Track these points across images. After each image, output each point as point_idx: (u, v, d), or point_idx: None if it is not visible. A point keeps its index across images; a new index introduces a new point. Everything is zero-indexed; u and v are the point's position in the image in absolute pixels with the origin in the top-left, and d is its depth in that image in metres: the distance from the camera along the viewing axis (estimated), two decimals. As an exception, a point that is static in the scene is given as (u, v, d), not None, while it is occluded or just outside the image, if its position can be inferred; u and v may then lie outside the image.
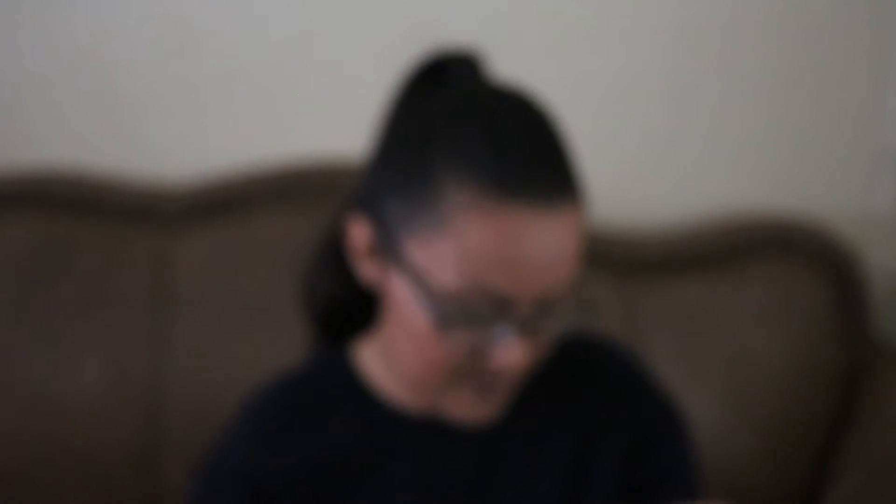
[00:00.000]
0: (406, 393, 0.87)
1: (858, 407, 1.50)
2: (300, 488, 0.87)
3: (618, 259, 1.52)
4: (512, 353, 0.77)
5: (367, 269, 0.83)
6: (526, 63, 1.53)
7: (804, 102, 1.58)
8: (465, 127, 0.77)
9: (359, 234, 0.82)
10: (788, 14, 1.54)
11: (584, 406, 0.90)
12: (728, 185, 1.59)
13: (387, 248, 0.79)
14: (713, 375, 1.47)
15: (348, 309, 0.90)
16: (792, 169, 1.61)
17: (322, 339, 0.95)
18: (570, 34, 1.52)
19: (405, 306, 0.78)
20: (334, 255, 0.89)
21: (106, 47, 1.45)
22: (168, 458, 1.36)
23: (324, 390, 0.90)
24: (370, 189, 0.81)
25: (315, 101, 1.50)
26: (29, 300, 1.37)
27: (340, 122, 1.50)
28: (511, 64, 1.51)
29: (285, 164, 1.48)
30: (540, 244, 0.74)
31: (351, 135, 1.48)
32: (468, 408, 0.83)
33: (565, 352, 0.91)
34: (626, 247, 1.53)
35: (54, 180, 1.44)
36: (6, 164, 1.45)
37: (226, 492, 0.88)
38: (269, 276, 1.40)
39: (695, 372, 1.47)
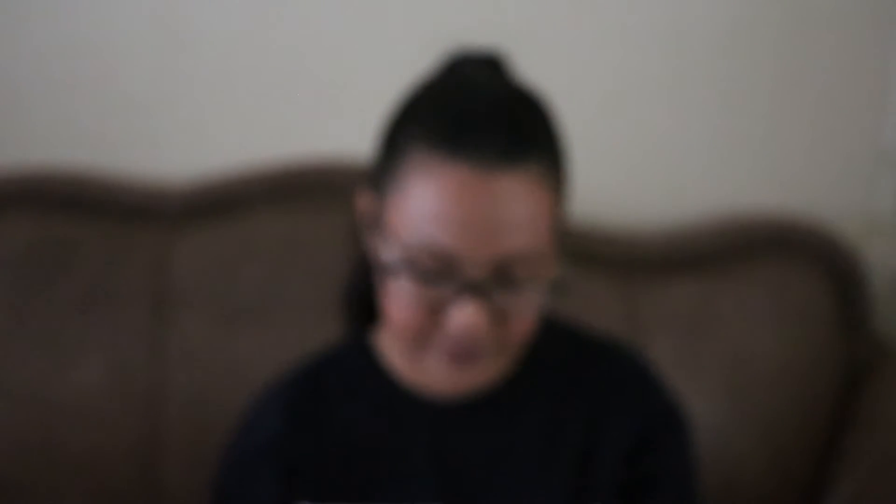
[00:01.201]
0: (417, 372, 0.89)
1: (859, 406, 1.50)
2: (326, 468, 0.89)
3: (618, 259, 1.52)
4: (464, 315, 0.77)
5: (372, 242, 0.86)
6: (526, 62, 1.53)
7: (805, 102, 1.58)
8: (435, 96, 0.80)
9: (362, 207, 0.86)
10: (789, 14, 1.54)
11: (593, 395, 0.92)
12: (728, 185, 1.59)
13: (378, 218, 0.83)
14: (714, 375, 1.47)
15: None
16: (793, 169, 1.61)
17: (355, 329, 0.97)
18: (570, 34, 1.51)
19: (386, 272, 0.81)
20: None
21: (105, 47, 1.45)
22: (168, 458, 1.36)
23: (345, 374, 0.92)
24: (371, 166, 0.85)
25: (314, 102, 1.50)
26: (28, 300, 1.37)
27: (339, 123, 1.50)
28: (515, 62, 1.51)
29: (284, 164, 1.48)
30: (482, 206, 0.75)
31: (351, 135, 1.48)
32: (444, 377, 0.85)
33: (578, 347, 0.94)
34: (627, 246, 1.53)
35: (53, 180, 1.44)
36: (6, 163, 1.45)
37: (259, 471, 0.90)
38: (269, 276, 1.40)
39: (695, 372, 1.46)
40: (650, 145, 1.58)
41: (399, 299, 0.80)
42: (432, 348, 0.83)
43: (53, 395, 1.34)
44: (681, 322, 1.48)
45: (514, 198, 0.76)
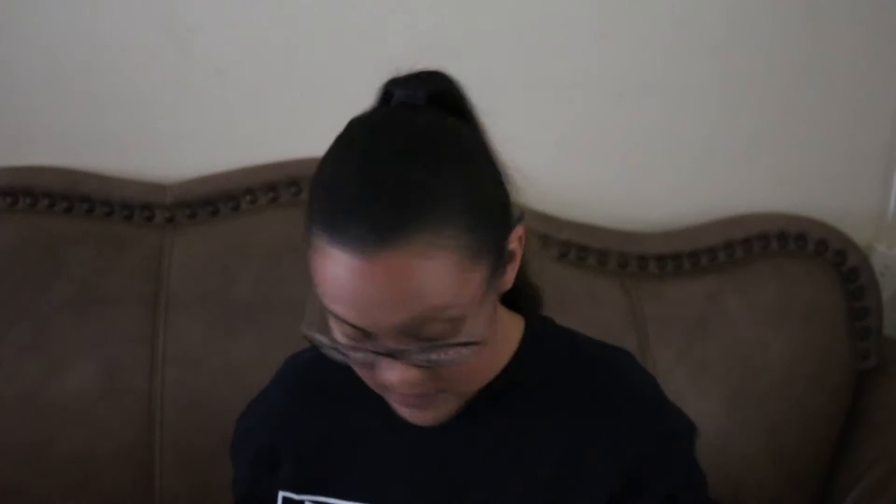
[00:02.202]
0: None
1: (868, 407, 1.49)
2: (308, 459, 0.94)
3: (621, 259, 1.52)
4: (391, 374, 0.81)
5: None
6: (527, 62, 1.52)
7: (814, 103, 1.57)
8: (328, 169, 0.83)
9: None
10: (798, 14, 1.53)
11: (581, 413, 0.91)
12: (736, 186, 1.58)
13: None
14: (718, 377, 1.45)
15: None
16: (802, 169, 1.60)
17: None
18: (571, 33, 1.51)
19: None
20: None
21: (104, 47, 1.44)
22: (162, 460, 1.35)
23: (341, 370, 0.92)
24: None
25: (312, 103, 1.49)
26: (21, 301, 1.36)
27: (337, 124, 1.50)
28: (513, 63, 1.51)
29: (279, 165, 1.48)
30: (360, 287, 0.77)
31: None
32: (405, 413, 0.88)
33: (572, 358, 0.93)
34: (628, 247, 1.53)
35: (46, 180, 1.43)
36: (2, 161, 1.44)
37: (245, 449, 1.00)
38: (264, 276, 1.39)
39: (699, 373, 1.45)
40: (658, 145, 1.57)
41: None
42: (386, 394, 0.86)
43: (47, 398, 1.33)
44: (685, 322, 1.47)
45: (397, 275, 0.77)
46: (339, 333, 0.82)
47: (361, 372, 0.85)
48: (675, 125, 1.56)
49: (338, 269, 0.77)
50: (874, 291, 1.52)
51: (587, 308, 1.45)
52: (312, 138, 1.48)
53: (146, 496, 1.36)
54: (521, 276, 0.93)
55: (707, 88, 1.55)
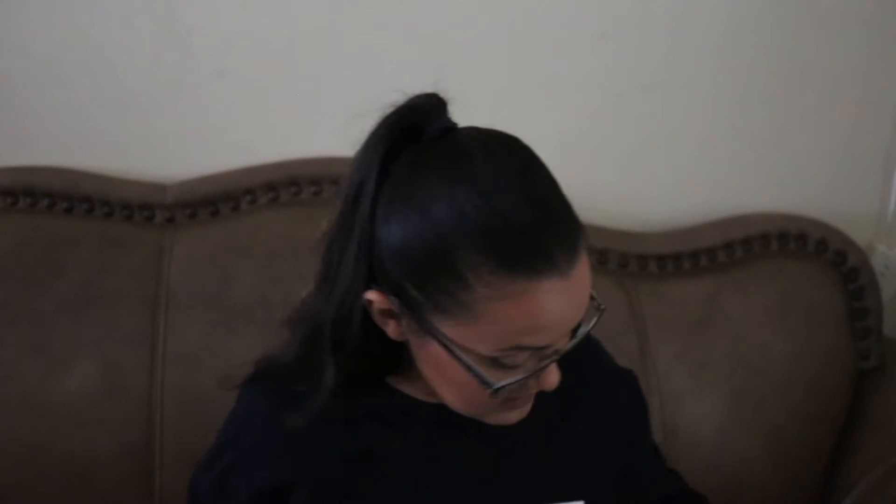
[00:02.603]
0: (419, 391, 0.96)
1: (868, 408, 1.49)
2: (319, 469, 0.94)
3: (621, 259, 1.52)
4: (552, 379, 0.88)
5: (393, 330, 0.90)
6: (527, 62, 1.52)
7: (815, 103, 1.57)
8: (478, 222, 0.81)
9: (379, 305, 0.88)
10: (799, 14, 1.53)
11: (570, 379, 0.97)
12: (737, 186, 1.58)
13: (416, 322, 0.86)
14: (719, 376, 1.45)
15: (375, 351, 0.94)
16: (801, 169, 1.60)
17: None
18: (571, 33, 1.51)
19: (448, 366, 0.87)
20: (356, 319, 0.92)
21: (103, 46, 1.44)
22: (162, 460, 1.35)
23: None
24: (384, 272, 0.86)
25: (312, 103, 1.49)
26: (21, 301, 1.35)
27: (337, 124, 1.50)
28: (513, 63, 1.51)
29: (279, 166, 1.47)
30: (563, 305, 0.83)
31: (345, 137, 1.48)
32: (500, 418, 0.92)
33: None
34: (628, 247, 1.52)
35: (46, 180, 1.43)
36: (1, 161, 1.44)
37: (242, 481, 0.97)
38: (262, 277, 1.39)
39: (699, 373, 1.45)
40: (658, 145, 1.57)
41: (473, 390, 0.86)
42: (493, 411, 0.91)
43: (47, 398, 1.33)
44: (685, 322, 1.47)
45: (583, 281, 0.84)
46: (521, 364, 0.86)
47: (488, 398, 0.86)
48: (675, 125, 1.56)
49: (545, 298, 0.81)
50: (874, 291, 1.52)
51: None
52: (312, 138, 1.49)
53: (146, 496, 1.35)
54: None
55: (707, 88, 1.55)
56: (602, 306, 0.89)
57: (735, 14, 1.52)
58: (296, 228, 1.42)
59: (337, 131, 1.48)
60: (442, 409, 0.93)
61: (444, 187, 0.82)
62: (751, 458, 1.45)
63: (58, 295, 1.36)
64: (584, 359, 0.99)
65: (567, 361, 0.93)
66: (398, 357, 0.94)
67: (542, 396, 0.94)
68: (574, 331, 0.87)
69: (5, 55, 1.43)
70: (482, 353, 0.84)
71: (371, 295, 0.87)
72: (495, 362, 0.84)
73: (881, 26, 1.55)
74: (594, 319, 0.89)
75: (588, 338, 1.02)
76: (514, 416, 0.92)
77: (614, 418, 1.04)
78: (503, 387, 0.85)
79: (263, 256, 1.40)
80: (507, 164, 0.84)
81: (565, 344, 0.87)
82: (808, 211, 1.56)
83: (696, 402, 1.44)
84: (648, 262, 1.52)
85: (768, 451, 1.45)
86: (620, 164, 1.55)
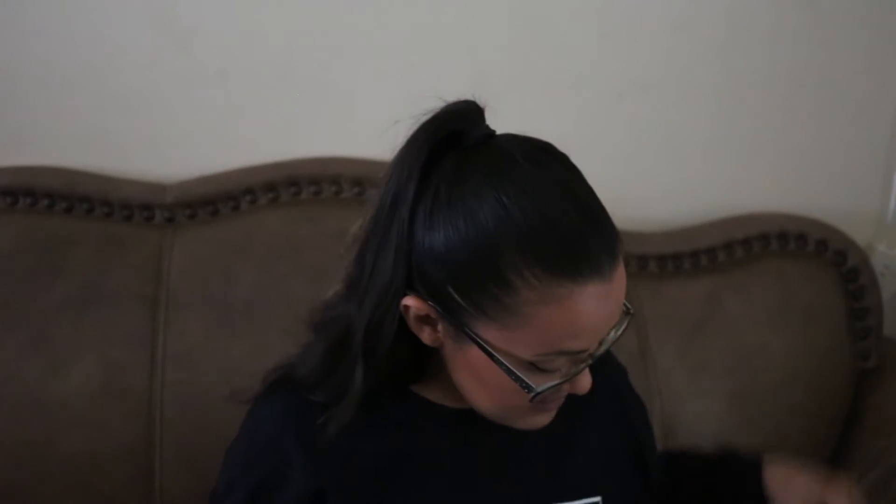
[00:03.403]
0: (442, 397, 0.96)
1: (868, 408, 1.49)
2: (349, 479, 0.93)
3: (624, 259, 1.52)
4: (586, 382, 0.88)
5: (428, 336, 0.90)
6: (527, 62, 1.52)
7: (815, 103, 1.57)
8: (523, 224, 0.82)
9: (416, 311, 0.88)
10: (800, 14, 1.53)
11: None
12: (737, 186, 1.58)
13: (455, 327, 0.86)
14: (719, 376, 1.45)
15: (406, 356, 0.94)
16: (802, 169, 1.60)
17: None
18: (571, 33, 1.51)
19: (485, 371, 0.87)
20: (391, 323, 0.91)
21: (103, 46, 1.44)
22: (162, 460, 1.34)
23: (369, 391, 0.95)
24: (423, 275, 0.86)
25: (312, 103, 1.49)
26: (21, 301, 1.35)
27: (337, 124, 1.50)
28: (513, 63, 1.51)
29: (279, 166, 1.47)
30: (604, 309, 0.84)
31: (348, 136, 1.48)
32: (530, 422, 0.93)
33: None
34: (628, 247, 1.52)
35: (46, 180, 1.43)
36: (1, 161, 1.44)
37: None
38: (263, 277, 1.39)
39: (699, 373, 1.45)
40: (658, 145, 1.57)
41: (515, 391, 0.86)
42: (523, 415, 0.91)
43: (47, 398, 1.32)
44: (685, 322, 1.47)
45: (621, 286, 0.86)
46: (558, 369, 0.86)
47: (523, 400, 0.86)
48: (676, 125, 1.56)
49: (588, 302, 0.82)
50: (874, 291, 1.52)
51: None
52: (312, 138, 1.49)
53: (146, 496, 1.35)
54: None
55: (707, 88, 1.55)
56: (632, 311, 0.90)
57: (735, 14, 1.52)
58: (296, 228, 1.42)
59: (337, 131, 1.50)
60: (467, 415, 0.94)
61: (489, 191, 0.83)
62: (751, 457, 1.45)
63: (58, 295, 1.35)
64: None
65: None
66: (424, 365, 0.95)
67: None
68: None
69: (5, 55, 1.43)
70: (523, 358, 0.84)
71: (409, 300, 0.87)
72: (534, 367, 0.85)
73: (881, 26, 1.55)
74: (625, 324, 0.89)
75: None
76: (542, 419, 0.93)
77: (624, 415, 1.07)
78: (543, 391, 0.85)
79: (263, 256, 1.40)
80: (550, 169, 0.86)
81: (598, 348, 0.87)
82: (808, 211, 1.55)
83: (696, 402, 1.44)
84: (648, 262, 1.52)
85: (768, 450, 1.44)
86: (620, 164, 1.55)
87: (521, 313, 0.82)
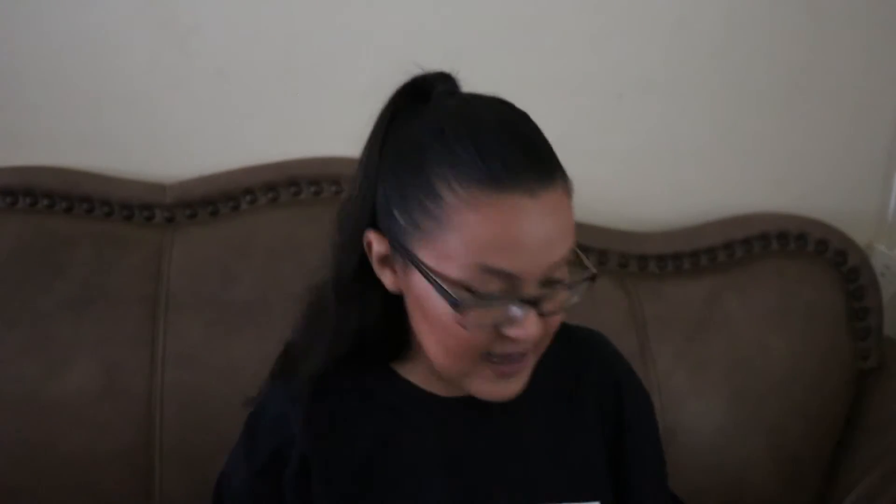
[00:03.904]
0: (432, 382, 0.97)
1: (868, 408, 1.49)
2: (336, 465, 0.95)
3: (621, 259, 1.52)
4: (526, 328, 0.86)
5: (388, 278, 0.92)
6: (527, 62, 1.52)
7: (815, 103, 1.57)
8: (452, 136, 0.85)
9: (377, 248, 0.91)
10: (801, 15, 1.53)
11: (578, 379, 1.02)
12: (737, 186, 1.58)
13: (399, 252, 0.89)
14: (719, 376, 1.45)
15: (376, 334, 0.97)
16: (802, 169, 1.60)
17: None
18: (571, 33, 1.51)
19: (426, 302, 0.87)
20: (354, 289, 0.95)
21: (103, 46, 1.44)
22: (162, 460, 1.34)
23: (357, 373, 0.98)
24: (381, 207, 0.91)
25: (312, 103, 1.49)
26: (21, 301, 1.35)
27: (337, 124, 1.50)
28: (512, 63, 1.51)
29: (279, 166, 1.47)
30: (532, 227, 0.83)
31: (345, 137, 1.48)
32: (492, 390, 0.91)
33: (563, 341, 0.98)
34: (628, 247, 1.52)
35: (46, 180, 1.43)
36: (1, 161, 1.44)
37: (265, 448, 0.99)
38: (263, 277, 1.38)
39: (699, 373, 1.45)
40: (658, 145, 1.57)
41: (456, 325, 0.86)
42: (485, 369, 0.90)
43: (46, 398, 1.32)
44: (685, 322, 1.47)
45: (556, 211, 0.85)
46: (467, 299, 0.85)
47: (477, 342, 0.87)
48: (675, 125, 1.56)
49: (511, 214, 0.82)
50: (874, 291, 1.52)
51: (587, 308, 1.43)
52: (312, 138, 1.49)
53: (146, 496, 1.35)
54: None
55: (707, 89, 1.55)
56: (594, 273, 0.89)
57: (735, 14, 1.52)
58: (296, 228, 1.42)
59: (337, 131, 1.49)
60: (455, 405, 0.95)
61: (432, 118, 0.88)
62: (751, 458, 1.44)
63: (58, 295, 1.35)
64: (593, 361, 1.02)
65: (573, 364, 0.97)
66: (403, 340, 0.96)
67: (549, 397, 0.97)
68: (549, 282, 0.87)
69: (5, 55, 1.43)
70: (454, 277, 0.84)
71: (370, 235, 0.91)
72: (464, 287, 0.84)
73: (881, 26, 1.55)
74: (583, 287, 0.88)
75: (599, 343, 1.07)
76: (505, 388, 0.91)
77: (626, 423, 1.04)
78: (469, 305, 0.84)
79: (263, 256, 1.40)
80: (497, 106, 0.90)
81: (540, 292, 0.86)
82: (808, 211, 1.55)
83: (696, 402, 1.44)
84: (648, 262, 1.52)
85: (768, 451, 1.45)
86: (620, 164, 1.55)
87: (448, 223, 0.84)
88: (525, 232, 0.83)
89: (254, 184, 1.46)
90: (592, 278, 0.89)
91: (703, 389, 1.44)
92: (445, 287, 0.84)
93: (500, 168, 0.83)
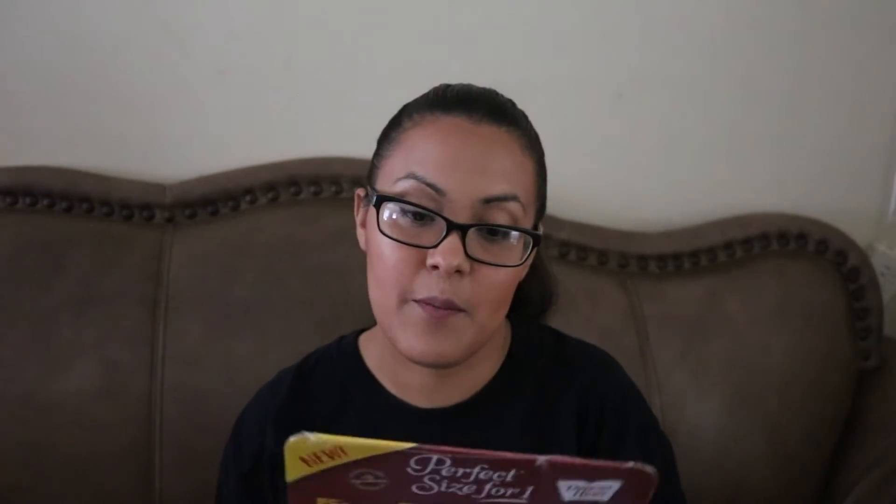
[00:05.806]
0: (409, 392, 0.97)
1: (868, 408, 1.48)
2: None
3: (621, 259, 1.52)
4: (447, 253, 0.85)
5: (361, 238, 0.95)
6: (527, 62, 1.52)
7: (815, 103, 1.57)
8: (431, 89, 0.94)
9: (358, 200, 0.97)
10: (801, 15, 1.53)
11: (560, 395, 1.00)
12: (737, 187, 1.58)
13: (367, 198, 0.93)
14: (719, 376, 1.45)
15: None
16: (802, 169, 1.60)
17: None
18: (571, 33, 1.51)
19: (370, 235, 0.90)
20: None
21: (103, 46, 1.44)
22: (162, 460, 1.34)
23: (334, 379, 1.01)
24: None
25: (312, 103, 1.49)
26: (21, 301, 1.35)
27: (337, 124, 1.50)
28: (512, 63, 1.51)
29: (279, 165, 1.47)
30: (467, 149, 0.88)
31: (348, 136, 1.48)
32: (422, 345, 0.88)
33: (553, 356, 1.00)
34: (628, 247, 1.52)
35: (46, 180, 1.43)
36: (1, 161, 1.44)
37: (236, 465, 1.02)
38: (263, 277, 1.38)
39: (699, 373, 1.45)
40: (658, 145, 1.57)
41: (384, 252, 0.88)
42: (408, 326, 0.88)
43: (47, 398, 1.32)
44: (685, 322, 1.47)
45: (498, 146, 0.89)
46: (400, 217, 0.88)
47: (399, 264, 0.87)
48: (675, 125, 1.56)
49: (446, 128, 0.89)
50: (875, 291, 1.52)
51: (587, 308, 1.45)
52: (312, 138, 1.49)
53: (146, 496, 1.35)
54: (538, 284, 1.02)
55: (707, 88, 1.55)
56: (539, 233, 0.91)
57: (735, 14, 1.52)
58: (296, 228, 1.42)
59: (337, 131, 1.49)
60: (432, 417, 0.96)
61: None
62: (751, 458, 1.44)
63: (58, 295, 1.35)
64: (579, 378, 1.00)
65: (559, 380, 0.97)
66: None
67: (527, 411, 0.97)
68: (483, 220, 0.87)
69: (5, 55, 1.43)
70: (391, 193, 0.88)
71: (359, 190, 0.97)
72: (400, 207, 0.87)
73: (881, 26, 1.55)
74: (529, 248, 0.89)
75: (593, 359, 1.04)
76: (434, 344, 0.88)
77: (621, 440, 1.01)
78: (383, 197, 0.87)
79: (263, 256, 1.40)
80: (488, 89, 0.95)
81: (465, 217, 0.86)
82: (808, 211, 1.55)
83: (696, 402, 1.44)
84: (648, 262, 1.52)
85: (768, 451, 1.45)
86: (620, 164, 1.55)
87: (400, 146, 0.90)
88: (458, 150, 0.87)
89: (254, 184, 1.46)
90: (535, 240, 0.89)
91: (703, 389, 1.44)
92: (381, 202, 0.88)
93: (454, 98, 0.91)
